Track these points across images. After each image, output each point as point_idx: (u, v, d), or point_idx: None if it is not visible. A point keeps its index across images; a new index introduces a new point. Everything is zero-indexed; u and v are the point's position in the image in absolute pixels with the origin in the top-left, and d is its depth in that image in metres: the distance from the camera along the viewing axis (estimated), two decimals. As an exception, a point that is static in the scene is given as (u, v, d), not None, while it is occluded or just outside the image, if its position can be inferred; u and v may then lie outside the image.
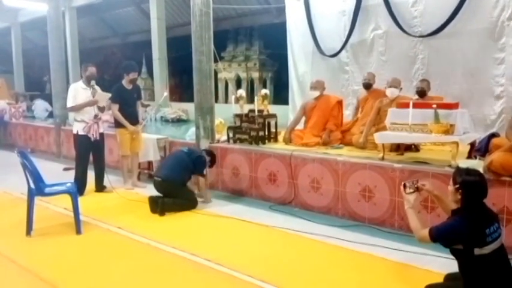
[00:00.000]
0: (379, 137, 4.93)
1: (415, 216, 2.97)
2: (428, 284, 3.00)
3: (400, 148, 5.24)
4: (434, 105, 4.55)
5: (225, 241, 4.47)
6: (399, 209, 4.57)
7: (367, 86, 6.38)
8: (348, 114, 7.13)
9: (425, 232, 2.80)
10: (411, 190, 3.04)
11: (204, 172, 5.71)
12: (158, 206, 5.26)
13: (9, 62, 17.45)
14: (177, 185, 5.45)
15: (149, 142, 6.90)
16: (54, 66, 9.46)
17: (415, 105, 4.68)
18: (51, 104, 11.79)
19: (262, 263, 3.85)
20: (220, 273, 3.68)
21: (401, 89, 5.79)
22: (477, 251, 2.62)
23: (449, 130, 4.44)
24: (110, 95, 6.27)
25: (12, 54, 17.23)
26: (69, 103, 6.16)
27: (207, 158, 5.79)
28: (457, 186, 2.74)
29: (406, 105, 4.71)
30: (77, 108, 6.12)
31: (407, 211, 3.03)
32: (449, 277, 3.08)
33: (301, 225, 4.78)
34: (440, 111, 4.49)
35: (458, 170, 2.86)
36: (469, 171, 2.80)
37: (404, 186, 3.06)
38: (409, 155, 5.17)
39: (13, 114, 11.94)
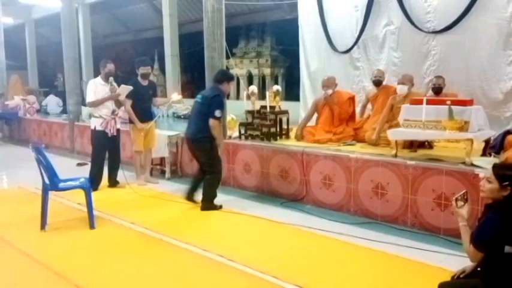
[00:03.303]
0: (392, 134, 4.90)
1: (468, 235, 2.74)
2: (441, 282, 2.97)
3: (413, 145, 5.20)
4: (449, 102, 4.50)
5: (237, 237, 4.48)
6: (412, 206, 4.54)
7: (377, 83, 6.34)
8: (359, 111, 7.06)
9: (470, 246, 2.66)
10: (462, 203, 2.85)
11: (217, 114, 5.12)
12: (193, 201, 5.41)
13: (23, 59, 17.66)
14: (203, 147, 5.23)
15: (161, 138, 6.94)
16: (67, 62, 9.53)
17: (429, 102, 4.64)
18: (63, 100, 11.96)
19: (274, 260, 3.85)
20: (232, 269, 3.69)
21: (413, 85, 5.74)
22: (507, 249, 2.57)
23: (463, 127, 4.39)
24: (131, 88, 6.23)
25: (26, 50, 17.44)
26: (90, 98, 6.19)
27: (225, 85, 5.34)
28: (506, 183, 2.65)
29: (420, 102, 4.66)
30: (99, 103, 6.16)
31: (462, 228, 2.80)
32: (457, 276, 3.03)
33: (313, 222, 4.78)
34: (455, 108, 4.44)
35: (503, 166, 2.77)
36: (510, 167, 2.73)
37: (456, 200, 2.93)
38: (422, 152, 5.13)
39: (27, 110, 12.08)
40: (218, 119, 5.17)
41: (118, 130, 6.38)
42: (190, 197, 5.46)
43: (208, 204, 5.31)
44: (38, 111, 12.58)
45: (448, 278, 3.07)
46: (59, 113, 12.25)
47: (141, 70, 6.39)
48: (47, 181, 4.67)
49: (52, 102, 12.99)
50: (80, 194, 4.84)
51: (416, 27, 6.55)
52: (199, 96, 5.43)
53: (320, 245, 4.21)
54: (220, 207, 5.33)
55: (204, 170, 5.38)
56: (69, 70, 9.55)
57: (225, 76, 5.44)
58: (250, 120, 6.44)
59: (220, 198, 5.77)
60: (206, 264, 3.82)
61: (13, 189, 6.59)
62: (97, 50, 15.09)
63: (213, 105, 5.11)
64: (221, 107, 5.19)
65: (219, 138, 5.32)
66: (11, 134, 12.44)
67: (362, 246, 4.13)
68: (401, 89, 5.63)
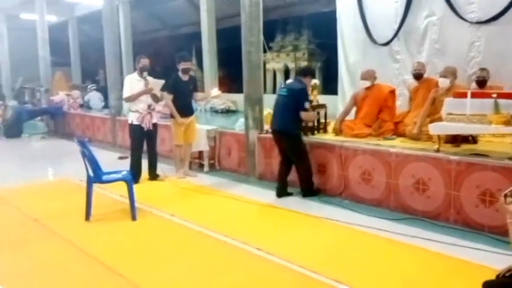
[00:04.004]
0: (435, 128, 4.77)
1: None
2: (486, 280, 2.88)
3: (456, 140, 5.04)
4: (495, 95, 4.35)
5: (275, 231, 4.51)
6: (455, 202, 4.42)
7: (418, 76, 6.20)
8: (399, 104, 6.92)
9: None
10: (511, 199, 2.81)
11: (306, 106, 5.51)
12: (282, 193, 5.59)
13: (67, 55, 18.25)
14: (292, 138, 5.51)
15: (200, 132, 7.03)
16: (109, 58, 9.80)
17: (474, 95, 4.50)
18: (104, 95, 12.33)
19: (313, 254, 3.85)
20: (271, 262, 3.72)
21: (455, 78, 5.57)
22: None
23: (510, 121, 4.23)
24: (163, 81, 6.40)
25: (70, 47, 18.02)
26: (126, 93, 6.38)
27: (307, 79, 5.63)
28: None
29: (464, 95, 4.53)
30: (134, 98, 6.32)
31: (510, 225, 2.71)
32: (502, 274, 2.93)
33: (351, 217, 4.74)
34: (501, 101, 4.30)
35: None
36: None
37: (505, 196, 2.83)
38: (466, 146, 4.97)
39: (71, 105, 12.52)
40: (307, 110, 5.55)
41: (155, 124, 6.51)
42: (283, 193, 5.61)
43: (309, 190, 5.55)
44: (81, 106, 13.02)
45: (492, 277, 2.98)
46: (101, 108, 12.63)
47: (182, 65, 6.48)
48: (91, 174, 4.83)
49: (94, 97, 13.42)
50: (122, 186, 4.98)
51: (460, 17, 6.33)
52: (284, 89, 5.77)
53: (359, 241, 4.18)
54: (320, 191, 5.58)
55: (289, 162, 5.59)
56: (111, 66, 9.82)
57: (309, 71, 5.93)
58: (287, 114, 6.41)
59: (258, 192, 5.84)
60: (244, 257, 3.86)
61: (58, 181, 6.87)
62: (136, 46, 15.40)
63: (301, 98, 5.45)
64: (308, 98, 5.61)
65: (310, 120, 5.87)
66: (56, 128, 12.92)
67: (402, 242, 4.06)
68: (443, 82, 5.48)
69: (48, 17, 13.67)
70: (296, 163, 5.55)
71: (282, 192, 5.61)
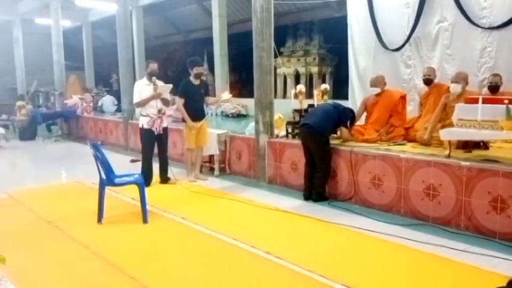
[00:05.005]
0: (446, 134, 4.76)
1: None
2: (496, 287, 2.88)
3: (467, 145, 5.02)
4: (506, 101, 4.32)
5: (285, 235, 4.52)
6: (466, 208, 4.39)
7: (428, 82, 6.18)
8: (410, 110, 6.91)
9: None
10: None
11: (348, 124, 5.90)
12: (310, 196, 5.65)
13: (81, 59, 18.49)
14: (321, 138, 5.58)
15: (211, 136, 7.08)
16: (122, 63, 9.91)
17: (485, 101, 4.47)
18: (117, 99, 12.48)
19: (322, 258, 3.86)
20: (279, 266, 3.73)
21: (467, 83, 5.55)
22: None
23: (522, 127, 4.21)
24: (171, 86, 6.47)
25: (84, 51, 18.26)
26: (135, 99, 6.47)
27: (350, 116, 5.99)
28: None
29: (475, 101, 4.50)
30: (143, 103, 6.39)
31: None
32: None
33: (360, 222, 4.73)
34: (513, 107, 4.26)
35: None
36: None
37: None
38: (477, 152, 4.94)
39: (85, 109, 12.69)
40: (347, 128, 5.92)
41: (165, 128, 6.57)
42: (311, 195, 5.66)
43: (321, 195, 5.59)
44: (95, 109, 13.19)
45: (503, 284, 2.97)
46: (114, 112, 12.78)
47: (195, 70, 6.54)
48: (103, 176, 4.89)
49: (107, 101, 13.58)
50: (134, 189, 5.03)
51: (472, 23, 6.31)
52: (330, 101, 6.47)
53: (368, 246, 4.17)
54: (328, 198, 5.61)
55: (313, 165, 5.63)
56: (124, 70, 9.94)
57: (353, 114, 6.11)
58: (297, 119, 6.44)
59: (267, 196, 5.85)
60: (254, 260, 3.88)
61: (71, 184, 6.95)
62: (149, 51, 15.56)
63: (346, 114, 5.89)
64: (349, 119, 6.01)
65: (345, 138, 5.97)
66: (70, 131, 13.11)
67: (412, 248, 4.05)
68: (455, 88, 5.45)
69: (62, 21, 13.86)
70: (318, 165, 5.56)
71: (310, 194, 5.64)
